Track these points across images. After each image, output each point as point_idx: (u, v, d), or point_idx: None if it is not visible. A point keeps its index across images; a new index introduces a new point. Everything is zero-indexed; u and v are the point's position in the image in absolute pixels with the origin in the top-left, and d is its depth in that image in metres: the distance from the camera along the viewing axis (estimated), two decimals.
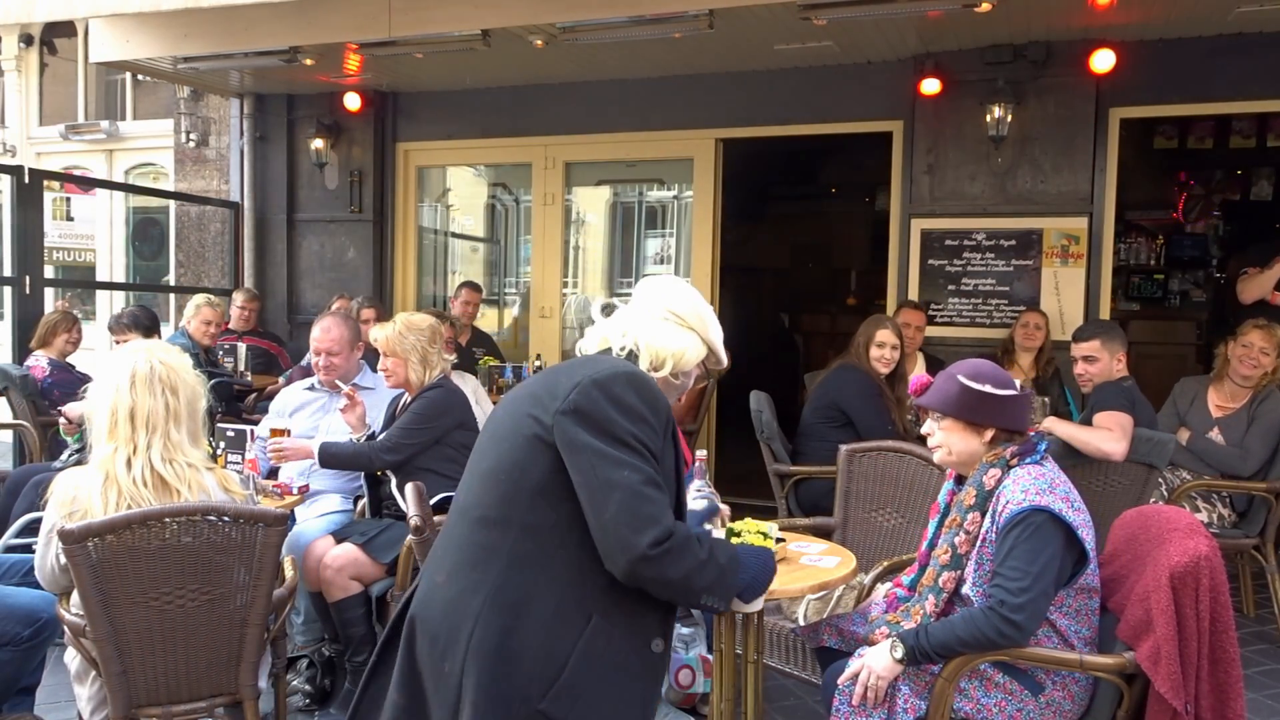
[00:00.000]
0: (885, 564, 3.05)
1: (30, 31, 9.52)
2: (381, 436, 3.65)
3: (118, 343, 5.27)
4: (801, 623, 2.87)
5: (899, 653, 2.36)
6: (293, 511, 3.72)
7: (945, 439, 2.57)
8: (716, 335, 2.11)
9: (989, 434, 2.52)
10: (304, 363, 5.95)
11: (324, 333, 3.99)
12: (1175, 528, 2.33)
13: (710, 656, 3.37)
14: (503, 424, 1.95)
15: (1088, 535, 2.39)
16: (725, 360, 2.15)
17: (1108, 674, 2.30)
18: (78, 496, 2.46)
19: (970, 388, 2.50)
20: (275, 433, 3.74)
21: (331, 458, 3.66)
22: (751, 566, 2.03)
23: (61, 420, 4.69)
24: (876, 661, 2.39)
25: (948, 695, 2.36)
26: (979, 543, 2.46)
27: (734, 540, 2.27)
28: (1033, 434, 2.55)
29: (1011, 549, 2.34)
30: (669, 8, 5.11)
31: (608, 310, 2.12)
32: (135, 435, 2.48)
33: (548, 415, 1.83)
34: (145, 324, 5.35)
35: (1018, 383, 2.59)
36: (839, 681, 2.46)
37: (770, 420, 4.82)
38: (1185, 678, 2.17)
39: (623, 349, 2.01)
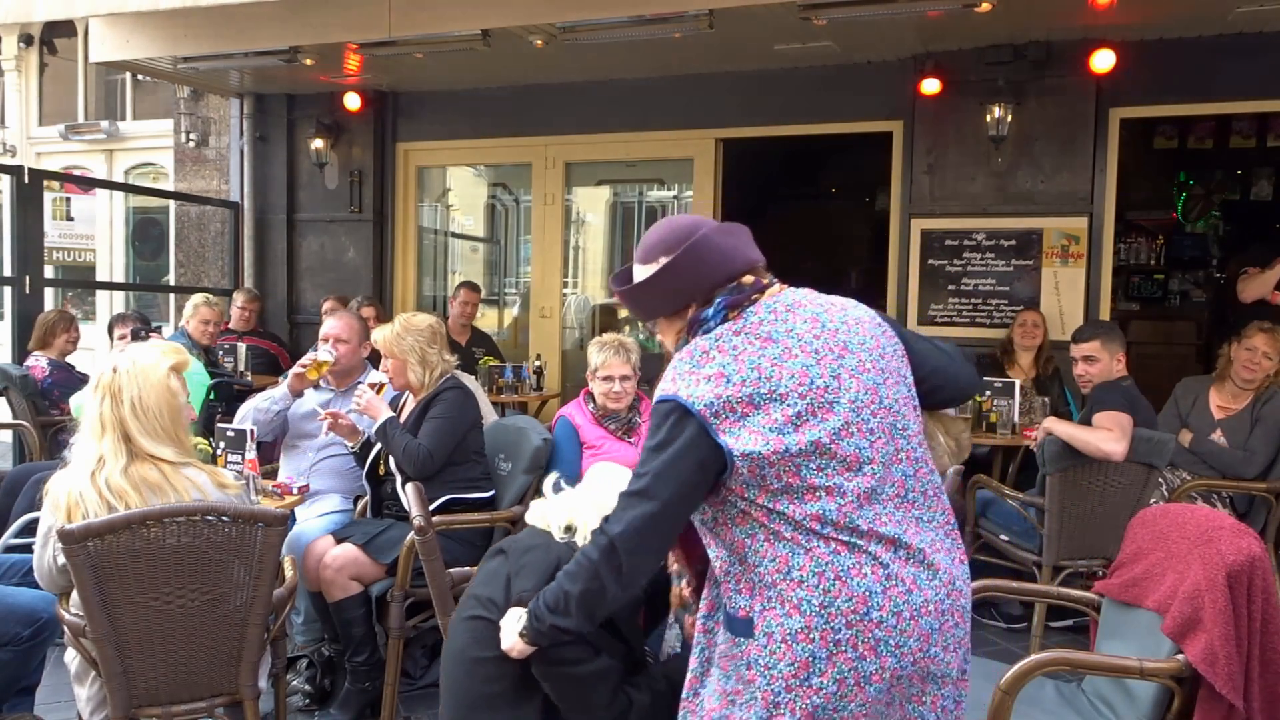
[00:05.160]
0: None
1: (30, 31, 9.53)
2: (419, 438, 3.61)
3: (119, 337, 5.30)
4: None
5: (521, 625, 2.00)
6: (293, 511, 3.72)
7: (665, 343, 1.92)
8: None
9: (690, 311, 1.82)
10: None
11: (338, 319, 4.08)
12: (1221, 526, 2.29)
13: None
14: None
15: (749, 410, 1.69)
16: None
17: (1163, 679, 2.21)
18: (69, 501, 2.45)
19: (641, 284, 1.83)
20: (371, 385, 3.72)
21: (387, 437, 3.61)
22: None
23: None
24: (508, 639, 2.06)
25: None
26: None
27: None
28: (724, 291, 1.78)
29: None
30: (669, 8, 5.12)
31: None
32: (101, 442, 2.48)
33: None
34: (140, 324, 5.41)
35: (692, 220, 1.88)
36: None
37: None
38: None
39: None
